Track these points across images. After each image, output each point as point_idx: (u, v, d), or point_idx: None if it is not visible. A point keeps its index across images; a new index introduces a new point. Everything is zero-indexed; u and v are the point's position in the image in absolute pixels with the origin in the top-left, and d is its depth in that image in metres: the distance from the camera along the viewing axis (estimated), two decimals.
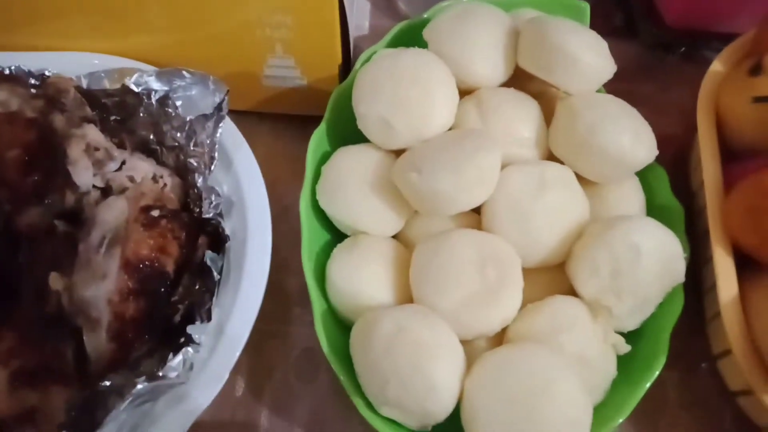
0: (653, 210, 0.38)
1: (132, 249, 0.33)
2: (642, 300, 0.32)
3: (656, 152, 0.36)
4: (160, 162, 0.39)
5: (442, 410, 0.28)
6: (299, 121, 0.44)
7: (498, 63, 0.37)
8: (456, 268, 0.31)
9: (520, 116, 0.36)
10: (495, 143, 0.33)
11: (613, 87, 0.49)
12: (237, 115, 0.40)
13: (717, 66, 0.39)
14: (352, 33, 0.43)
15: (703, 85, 0.38)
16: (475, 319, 0.30)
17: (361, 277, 0.32)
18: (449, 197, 0.31)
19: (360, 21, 0.51)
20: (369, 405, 0.30)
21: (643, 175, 0.38)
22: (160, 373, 0.29)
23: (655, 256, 0.31)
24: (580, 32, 0.35)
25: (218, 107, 0.37)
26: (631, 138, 0.34)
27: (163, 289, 0.33)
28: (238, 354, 0.32)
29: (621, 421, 0.31)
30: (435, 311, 0.30)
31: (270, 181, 0.38)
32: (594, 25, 0.52)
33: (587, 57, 0.34)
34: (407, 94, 0.34)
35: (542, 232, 0.32)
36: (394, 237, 0.36)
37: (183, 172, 0.38)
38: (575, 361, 0.30)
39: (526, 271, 0.33)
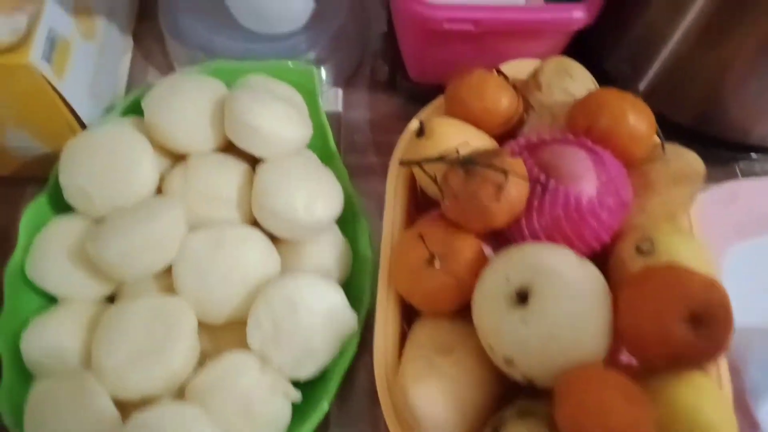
0: (357, 258, 0.42)
1: None
2: (306, 350, 0.35)
3: (338, 211, 0.40)
4: None
5: None
6: None
7: (205, 132, 0.40)
8: (124, 329, 0.34)
9: (223, 180, 0.39)
10: (171, 211, 0.36)
11: (374, 138, 0.55)
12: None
13: (415, 124, 0.43)
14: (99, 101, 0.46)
15: (398, 145, 0.42)
16: (138, 375, 0.33)
17: (42, 343, 0.35)
18: (117, 265, 0.34)
19: (139, 82, 0.54)
20: None
21: (351, 226, 0.43)
22: None
23: (315, 308, 0.35)
24: (266, 104, 0.39)
25: None
26: (304, 201, 0.37)
27: None
28: None
29: None
30: (101, 371, 0.33)
31: None
32: (362, 79, 0.57)
33: (268, 127, 0.38)
34: (103, 166, 0.37)
35: (219, 291, 0.36)
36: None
37: None
38: (240, 408, 0.33)
39: (218, 328, 0.37)
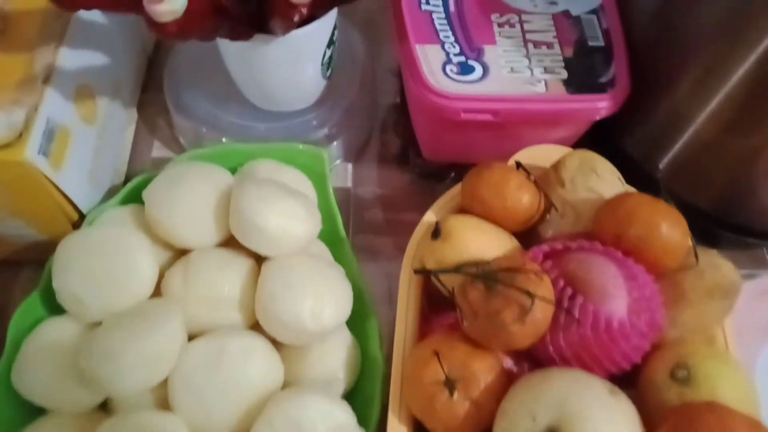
0: (367, 360, 0.39)
1: None
2: None
3: (347, 315, 0.37)
4: None
5: None
6: None
7: (208, 227, 0.38)
8: None
9: (225, 279, 0.37)
10: (170, 324, 0.33)
11: (385, 216, 0.53)
12: None
13: (430, 216, 0.41)
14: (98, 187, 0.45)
15: (410, 245, 0.40)
16: None
17: None
18: (111, 382, 0.32)
19: (143, 155, 0.53)
20: None
21: (361, 323, 0.40)
22: None
23: (320, 428, 0.32)
24: (273, 202, 0.37)
25: None
26: (311, 308, 0.35)
27: None
28: None
29: None
30: None
31: None
32: (372, 152, 0.55)
33: (274, 227, 0.36)
34: (99, 271, 0.35)
35: (218, 408, 0.33)
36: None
37: None
38: None
39: None
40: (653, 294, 0.33)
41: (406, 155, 0.54)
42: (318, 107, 0.50)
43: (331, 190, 0.44)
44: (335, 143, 0.51)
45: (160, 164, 0.52)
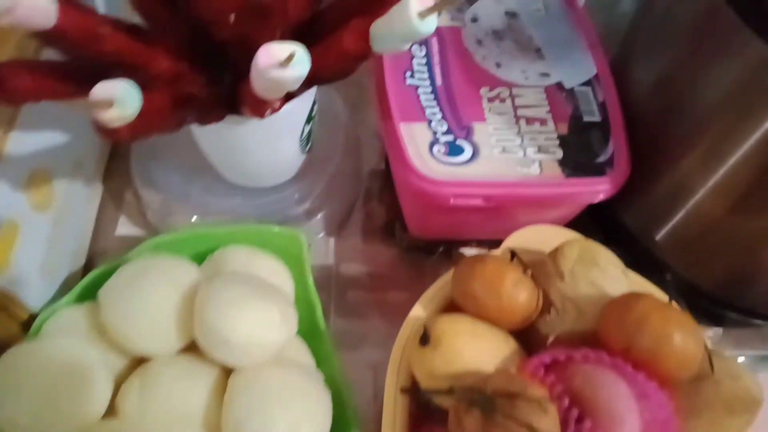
0: None
1: None
2: None
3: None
4: None
5: None
6: None
7: (170, 333, 0.34)
8: None
9: (187, 394, 0.33)
10: None
11: (369, 295, 0.49)
12: None
13: (418, 311, 0.37)
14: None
15: (395, 348, 0.36)
16: None
17: None
18: None
19: (107, 233, 0.49)
20: None
21: None
22: None
23: None
24: (242, 308, 0.33)
25: None
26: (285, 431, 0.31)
27: None
28: None
29: None
30: None
31: None
32: (355, 224, 0.52)
33: (244, 338, 0.32)
34: (43, 393, 0.31)
35: None
36: None
37: None
38: None
39: None
40: (668, 417, 0.29)
41: (391, 227, 0.50)
42: (298, 180, 0.46)
43: (309, 276, 0.41)
44: (317, 217, 0.48)
45: (125, 243, 0.48)
